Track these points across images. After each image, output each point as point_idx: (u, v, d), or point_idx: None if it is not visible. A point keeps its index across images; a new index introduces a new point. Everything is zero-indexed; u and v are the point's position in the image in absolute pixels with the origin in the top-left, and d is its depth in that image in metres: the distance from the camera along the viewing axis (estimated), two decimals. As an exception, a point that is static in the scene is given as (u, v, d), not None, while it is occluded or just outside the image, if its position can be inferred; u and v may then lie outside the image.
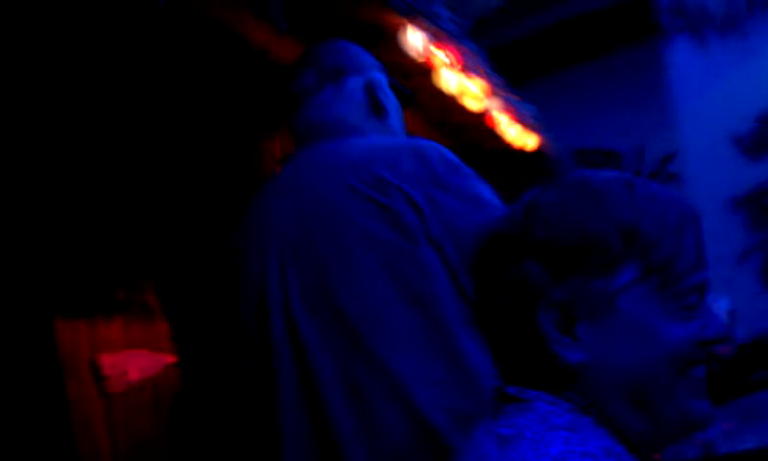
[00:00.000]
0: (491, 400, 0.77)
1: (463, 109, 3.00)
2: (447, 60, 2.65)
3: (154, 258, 2.00)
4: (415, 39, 2.46)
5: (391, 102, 1.44)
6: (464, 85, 2.86)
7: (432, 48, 2.56)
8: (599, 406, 0.72)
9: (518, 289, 0.73)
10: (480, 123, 3.21)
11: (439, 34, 2.53)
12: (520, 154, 3.61)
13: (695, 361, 0.73)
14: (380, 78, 1.45)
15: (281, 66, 2.03)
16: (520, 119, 3.42)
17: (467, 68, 2.81)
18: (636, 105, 4.67)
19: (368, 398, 1.13)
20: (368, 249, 1.17)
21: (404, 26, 2.37)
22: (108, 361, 1.89)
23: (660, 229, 0.72)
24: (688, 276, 0.72)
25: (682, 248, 0.73)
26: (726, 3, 4.59)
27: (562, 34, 4.34)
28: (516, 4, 3.94)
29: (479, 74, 2.93)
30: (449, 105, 2.92)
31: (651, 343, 0.71)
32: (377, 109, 1.41)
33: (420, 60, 2.53)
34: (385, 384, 1.13)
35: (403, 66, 2.45)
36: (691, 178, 4.67)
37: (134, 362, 1.93)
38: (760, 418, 2.70)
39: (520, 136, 3.49)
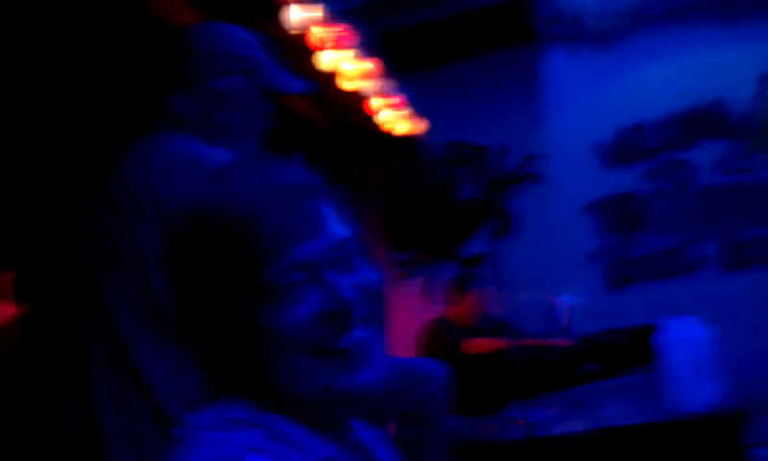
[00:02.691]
0: None
1: (338, 86, 3.02)
2: (327, 37, 2.68)
3: (7, 209, 1.95)
4: (296, 15, 2.48)
5: (231, 116, 1.49)
6: (341, 62, 2.89)
7: (313, 25, 2.59)
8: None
9: None
10: (354, 101, 3.25)
11: (320, 12, 2.56)
12: (391, 137, 3.69)
13: (321, 338, 0.71)
14: (226, 88, 1.49)
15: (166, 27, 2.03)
16: (393, 103, 3.49)
17: (345, 46, 2.85)
18: (510, 105, 4.85)
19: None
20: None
21: (287, 2, 2.39)
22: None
23: (243, 218, 0.70)
24: (283, 258, 0.70)
25: (270, 233, 0.70)
26: (600, 17, 4.82)
27: (444, 29, 4.44)
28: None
29: (358, 53, 2.98)
30: (326, 80, 2.95)
31: (260, 335, 0.71)
32: (212, 124, 1.48)
33: (301, 35, 2.56)
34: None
35: (285, 40, 2.47)
36: (553, 180, 4.91)
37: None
38: (584, 407, 2.92)
39: (392, 120, 3.56)
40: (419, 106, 3.72)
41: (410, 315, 3.61)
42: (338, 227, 0.73)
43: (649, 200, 4.92)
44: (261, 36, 1.56)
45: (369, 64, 3.08)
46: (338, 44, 2.80)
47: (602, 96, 4.90)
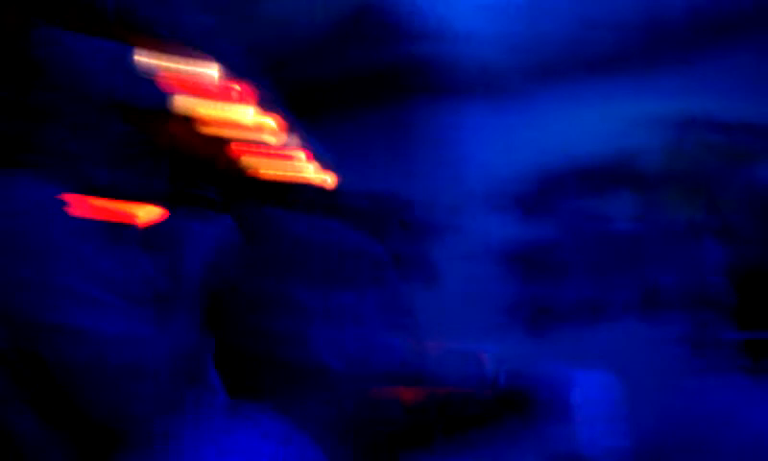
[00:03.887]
0: None
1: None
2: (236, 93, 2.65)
3: None
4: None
5: (58, 134, 1.34)
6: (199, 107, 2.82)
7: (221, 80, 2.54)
8: None
9: None
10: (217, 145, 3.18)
11: (225, 69, 2.55)
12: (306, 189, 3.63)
13: None
14: (59, 95, 1.35)
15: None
16: (310, 157, 3.49)
17: (256, 102, 2.83)
18: (421, 157, 4.96)
19: None
20: None
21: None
22: None
23: None
24: None
25: None
26: (510, 70, 4.94)
27: (351, 81, 4.48)
28: (311, 49, 4.04)
29: (270, 109, 2.96)
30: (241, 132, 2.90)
31: None
32: (34, 146, 1.34)
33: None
34: None
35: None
36: (469, 230, 4.97)
37: None
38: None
39: (307, 173, 3.52)
40: (327, 155, 3.73)
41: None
42: None
43: (562, 248, 5.02)
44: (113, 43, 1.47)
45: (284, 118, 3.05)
46: (249, 98, 2.78)
47: (513, 147, 5.01)
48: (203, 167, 3.14)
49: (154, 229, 1.57)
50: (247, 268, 0.93)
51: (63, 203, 1.28)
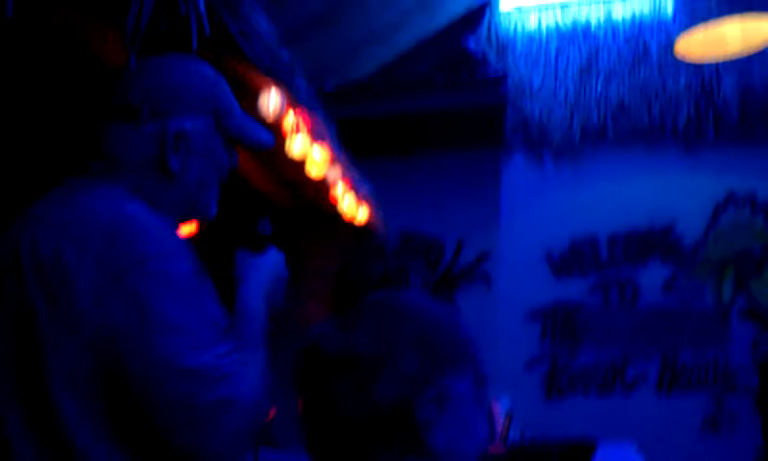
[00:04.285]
0: None
1: (305, 172, 3.06)
2: (297, 124, 2.72)
3: None
4: (271, 100, 2.50)
5: (189, 162, 1.32)
6: (309, 150, 2.93)
7: (286, 111, 2.61)
8: None
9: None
10: (320, 187, 3.29)
11: (293, 99, 2.60)
12: (351, 223, 3.72)
13: None
14: (188, 128, 1.31)
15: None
16: (356, 191, 3.55)
17: (314, 135, 2.89)
18: (468, 204, 4.96)
19: None
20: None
21: (262, 85, 2.42)
22: None
23: None
24: None
25: None
26: (565, 131, 4.97)
27: (410, 122, 4.53)
28: (376, 85, 4.09)
29: (324, 142, 3.02)
30: (294, 165, 2.97)
31: None
32: (164, 170, 1.30)
33: (274, 119, 2.57)
34: None
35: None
36: (500, 282, 4.97)
37: None
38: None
39: (353, 207, 3.60)
40: (379, 194, 3.78)
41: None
42: None
43: (593, 313, 5.00)
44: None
45: (332, 150, 3.12)
46: (308, 131, 2.83)
47: (559, 206, 5.04)
48: (261, 201, 3.19)
49: (217, 261, 1.56)
50: (340, 332, 0.92)
51: (161, 222, 1.24)
